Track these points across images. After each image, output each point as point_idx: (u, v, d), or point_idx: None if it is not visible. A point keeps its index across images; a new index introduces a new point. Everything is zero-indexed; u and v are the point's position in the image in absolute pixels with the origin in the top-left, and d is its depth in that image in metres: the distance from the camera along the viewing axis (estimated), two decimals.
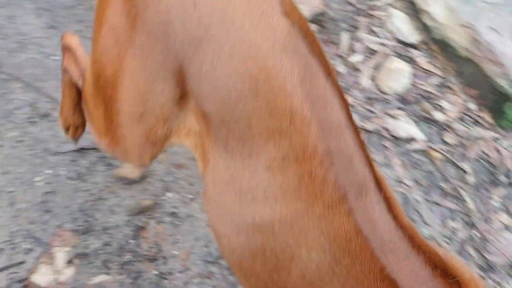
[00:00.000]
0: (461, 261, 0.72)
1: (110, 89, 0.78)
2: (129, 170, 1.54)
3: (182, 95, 0.75)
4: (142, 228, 1.50)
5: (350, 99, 1.97)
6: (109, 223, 1.48)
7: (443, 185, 1.82)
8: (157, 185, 1.59)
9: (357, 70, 2.04)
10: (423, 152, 1.87)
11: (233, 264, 0.77)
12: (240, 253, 0.71)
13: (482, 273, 1.66)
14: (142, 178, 1.56)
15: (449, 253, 0.69)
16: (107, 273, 1.41)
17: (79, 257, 1.41)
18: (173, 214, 1.54)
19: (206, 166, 0.76)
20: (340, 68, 2.04)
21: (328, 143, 0.65)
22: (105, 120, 0.84)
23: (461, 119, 1.97)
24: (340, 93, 0.71)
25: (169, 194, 1.58)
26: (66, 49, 1.02)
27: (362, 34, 2.10)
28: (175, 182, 1.61)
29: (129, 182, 1.55)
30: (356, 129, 0.70)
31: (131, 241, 1.47)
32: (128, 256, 1.45)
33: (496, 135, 1.95)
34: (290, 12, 0.71)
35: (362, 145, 0.69)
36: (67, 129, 1.18)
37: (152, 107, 0.76)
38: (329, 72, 0.71)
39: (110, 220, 1.49)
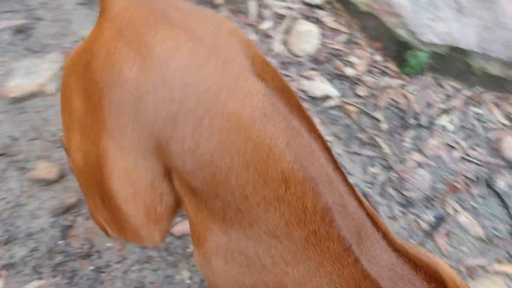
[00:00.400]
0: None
1: (99, 175, 0.74)
2: (45, 170, 1.47)
3: (168, 169, 0.72)
4: (69, 227, 1.46)
5: None
6: (32, 228, 1.42)
7: (360, 135, 1.94)
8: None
9: (269, 36, 2.07)
10: (338, 107, 1.98)
11: None
12: None
13: (403, 210, 1.83)
14: (61, 177, 1.50)
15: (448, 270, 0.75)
16: (40, 278, 1.36)
17: (6, 268, 1.35)
18: None
19: (204, 237, 0.74)
20: (252, 36, 2.05)
21: (325, 199, 0.66)
22: (105, 209, 0.80)
23: (370, 72, 2.09)
24: (323, 143, 0.71)
25: None
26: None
27: (269, 1, 2.13)
28: None
29: (47, 183, 1.48)
30: (343, 175, 0.71)
31: (59, 242, 1.43)
32: (59, 258, 1.41)
33: (402, 82, 2.10)
34: (263, 72, 0.70)
35: (351, 189, 0.71)
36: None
37: (141, 186, 0.73)
38: (310, 125, 0.71)
39: (33, 225, 1.43)
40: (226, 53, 0.68)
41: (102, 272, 1.41)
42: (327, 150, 0.71)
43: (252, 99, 0.66)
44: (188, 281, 1.46)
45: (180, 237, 1.51)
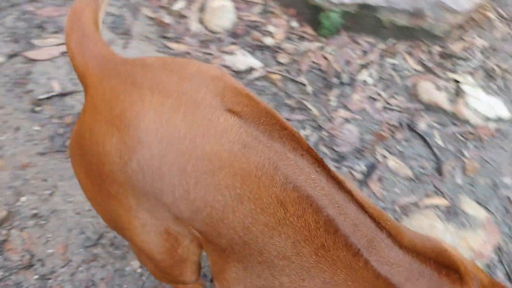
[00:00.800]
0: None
1: (124, 235, 0.85)
2: None
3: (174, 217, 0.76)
4: (4, 241, 1.41)
5: (185, 47, 2.00)
6: None
7: (288, 101, 2.01)
8: (7, 193, 1.49)
9: (184, 17, 2.05)
10: (263, 78, 2.02)
11: None
12: None
13: (337, 164, 1.93)
14: None
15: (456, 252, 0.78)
16: None
17: None
18: (35, 216, 1.47)
19: (221, 270, 0.79)
20: (167, 19, 2.03)
21: (325, 212, 0.67)
22: (144, 262, 0.92)
23: (288, 38, 2.15)
24: (311, 156, 0.72)
25: (23, 198, 1.49)
26: None
27: None
28: (26, 184, 1.51)
29: None
30: (338, 182, 0.72)
31: None
32: (0, 274, 1.37)
33: (320, 44, 2.18)
34: (235, 104, 0.70)
35: (349, 194, 0.72)
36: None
37: (158, 235, 0.79)
38: (295, 141, 0.72)
39: None
40: (194, 98, 0.69)
41: (48, 279, 1.39)
42: (317, 161, 0.72)
43: (227, 136, 0.67)
44: (139, 270, 1.47)
45: None
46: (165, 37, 2.00)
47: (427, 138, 2.09)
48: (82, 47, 0.81)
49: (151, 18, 2.04)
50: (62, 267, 1.42)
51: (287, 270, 0.71)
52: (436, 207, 1.90)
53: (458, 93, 2.24)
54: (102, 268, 1.45)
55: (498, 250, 1.83)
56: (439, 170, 1.99)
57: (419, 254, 0.72)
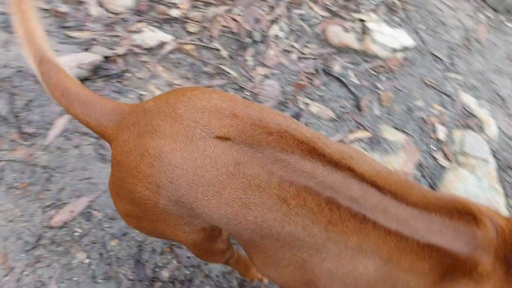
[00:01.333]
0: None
1: (172, 239, 1.00)
2: None
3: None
4: None
5: (89, 34, 1.94)
6: None
7: (206, 69, 2.03)
8: None
9: (81, 2, 1.98)
10: (177, 50, 2.02)
11: None
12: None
13: None
14: None
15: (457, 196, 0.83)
16: None
17: None
18: None
19: (253, 258, 0.92)
20: (63, 8, 1.95)
21: (324, 194, 0.76)
22: (190, 249, 1.07)
23: (194, 7, 2.14)
24: (301, 147, 0.79)
25: None
26: None
27: None
28: None
29: None
30: (329, 163, 0.79)
31: None
32: None
33: (227, 7, 2.20)
34: (220, 128, 0.80)
35: (346, 169, 0.79)
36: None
37: (196, 232, 0.95)
38: (284, 140, 0.79)
39: None
40: (186, 135, 0.80)
41: None
42: (309, 152, 0.79)
43: (221, 160, 0.78)
44: (87, 261, 1.49)
45: (61, 227, 1.51)
46: (65, 27, 1.93)
47: (343, 79, 2.21)
48: (88, 113, 0.90)
49: (46, 10, 1.95)
50: (5, 275, 1.40)
51: (304, 249, 0.81)
52: (360, 140, 2.05)
53: (364, 31, 2.37)
54: (48, 267, 1.45)
55: (420, 166, 2.02)
56: (358, 106, 2.13)
57: (429, 207, 0.79)
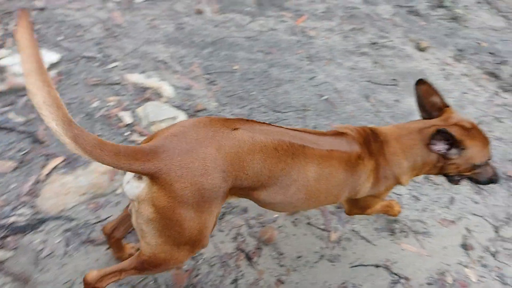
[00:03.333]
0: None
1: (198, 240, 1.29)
2: None
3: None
4: None
5: None
6: None
7: None
8: None
9: None
10: None
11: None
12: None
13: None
14: None
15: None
16: None
17: None
18: None
19: (259, 195, 1.37)
20: None
21: (290, 141, 1.34)
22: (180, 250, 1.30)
23: None
24: (269, 124, 1.39)
25: None
26: None
27: None
28: None
29: None
30: (285, 127, 1.41)
31: None
32: None
33: None
34: (234, 125, 1.27)
35: (295, 129, 1.42)
36: None
37: (211, 222, 1.31)
38: (254, 121, 1.35)
39: None
40: (221, 133, 1.23)
41: None
42: (272, 124, 1.38)
43: (243, 141, 1.25)
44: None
45: None
46: None
47: (7, 125, 2.06)
48: (121, 162, 1.05)
49: None
50: None
51: (288, 174, 1.33)
52: (57, 167, 2.00)
53: (0, 70, 2.23)
54: None
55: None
56: (37, 140, 2.05)
57: (324, 134, 1.46)
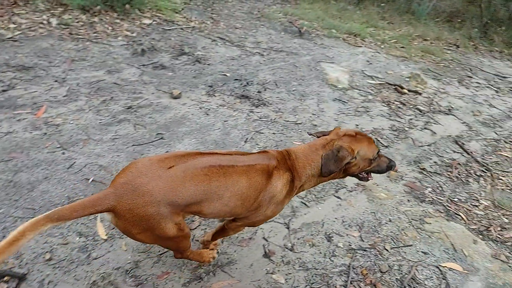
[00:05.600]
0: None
1: (165, 238, 1.65)
2: None
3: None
4: None
5: None
6: None
7: None
8: None
9: None
10: None
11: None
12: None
13: None
14: None
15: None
16: None
17: None
18: None
19: (201, 213, 1.71)
20: None
21: (220, 164, 1.68)
22: (172, 246, 1.80)
23: None
24: (206, 152, 1.72)
25: None
26: None
27: None
28: None
29: None
30: (218, 153, 1.75)
31: None
32: None
33: None
34: (166, 164, 1.59)
35: (224, 153, 1.76)
36: None
37: (173, 226, 1.62)
38: (199, 153, 1.70)
39: None
40: (159, 172, 1.56)
41: None
42: (212, 153, 1.74)
43: (175, 172, 1.58)
44: None
45: None
46: None
47: None
48: (94, 208, 1.47)
49: None
50: None
51: (222, 188, 1.64)
52: None
53: None
54: None
55: None
56: None
57: (248, 153, 1.83)
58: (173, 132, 3.14)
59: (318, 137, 1.96)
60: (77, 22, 4.49)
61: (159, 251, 2.14)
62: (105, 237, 2.16)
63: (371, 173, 2.01)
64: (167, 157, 1.61)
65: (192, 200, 1.58)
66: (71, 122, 3.00)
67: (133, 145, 2.88)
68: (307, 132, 2.12)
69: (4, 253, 1.27)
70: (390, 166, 1.99)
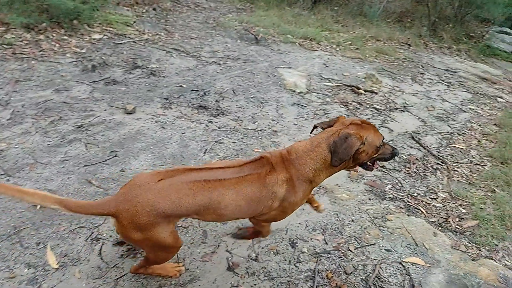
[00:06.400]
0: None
1: (160, 245, 1.77)
2: None
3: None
4: None
5: None
6: None
7: None
8: None
9: None
10: None
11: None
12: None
13: None
14: None
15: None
16: None
17: None
18: None
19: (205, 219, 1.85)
20: None
21: (207, 179, 1.76)
22: (160, 258, 1.88)
23: None
24: (195, 168, 1.82)
25: None
26: None
27: None
28: None
29: None
30: (208, 167, 1.84)
31: None
32: None
33: None
34: (161, 177, 1.73)
35: (210, 168, 1.83)
36: None
37: (170, 234, 1.76)
38: (190, 168, 1.79)
39: None
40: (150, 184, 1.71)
41: None
42: (203, 168, 1.82)
43: (165, 184, 1.71)
44: None
45: None
46: None
47: None
48: (97, 210, 1.68)
49: None
50: None
51: (220, 199, 1.74)
52: None
53: None
54: None
55: None
56: None
57: (244, 163, 1.86)
58: (128, 148, 3.02)
59: (323, 128, 1.95)
60: (21, 41, 4.28)
61: (116, 275, 2.04)
62: (56, 266, 2.03)
63: (377, 162, 2.04)
64: (160, 172, 1.76)
65: (178, 210, 1.69)
66: (16, 146, 2.83)
67: (84, 165, 2.75)
68: (313, 125, 2.02)
69: (10, 191, 1.55)
70: (394, 154, 2.03)
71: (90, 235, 2.23)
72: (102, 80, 4.02)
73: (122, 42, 4.95)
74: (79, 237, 2.21)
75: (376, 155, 1.94)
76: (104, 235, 2.25)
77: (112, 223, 1.77)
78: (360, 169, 2.37)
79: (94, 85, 3.91)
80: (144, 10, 6.41)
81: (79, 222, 2.30)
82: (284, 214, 1.95)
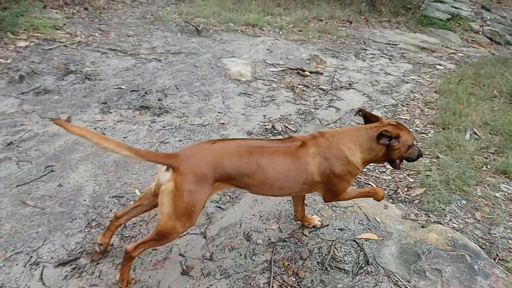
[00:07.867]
0: None
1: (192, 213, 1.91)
2: None
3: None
4: None
5: None
6: None
7: None
8: None
9: None
10: None
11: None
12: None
13: None
14: None
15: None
16: None
17: None
18: None
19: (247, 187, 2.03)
20: None
21: (255, 147, 2.01)
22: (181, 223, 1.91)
23: None
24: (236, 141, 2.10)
25: None
26: None
27: None
28: None
29: None
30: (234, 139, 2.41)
31: None
32: None
33: None
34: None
35: (236, 139, 2.47)
36: None
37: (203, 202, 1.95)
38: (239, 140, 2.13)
39: None
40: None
41: None
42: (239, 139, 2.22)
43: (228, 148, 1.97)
44: None
45: None
46: None
47: None
48: (160, 160, 1.90)
49: None
50: None
51: (265, 168, 1.95)
52: None
53: None
54: None
55: None
56: None
57: (282, 141, 2.14)
58: (65, 161, 2.84)
59: (366, 115, 2.20)
60: None
61: None
62: None
63: (403, 162, 2.24)
64: (213, 140, 2.06)
65: (227, 171, 1.91)
66: None
67: (17, 185, 2.55)
68: (359, 108, 2.26)
69: (87, 135, 1.66)
70: (419, 155, 2.26)
71: (28, 260, 2.07)
72: (31, 90, 3.75)
73: (51, 47, 4.64)
74: (16, 264, 2.05)
75: (405, 154, 2.15)
76: (45, 257, 2.10)
77: (168, 177, 1.85)
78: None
79: (23, 96, 3.64)
80: (74, 11, 6.06)
81: (15, 248, 2.13)
82: (335, 186, 2.10)
